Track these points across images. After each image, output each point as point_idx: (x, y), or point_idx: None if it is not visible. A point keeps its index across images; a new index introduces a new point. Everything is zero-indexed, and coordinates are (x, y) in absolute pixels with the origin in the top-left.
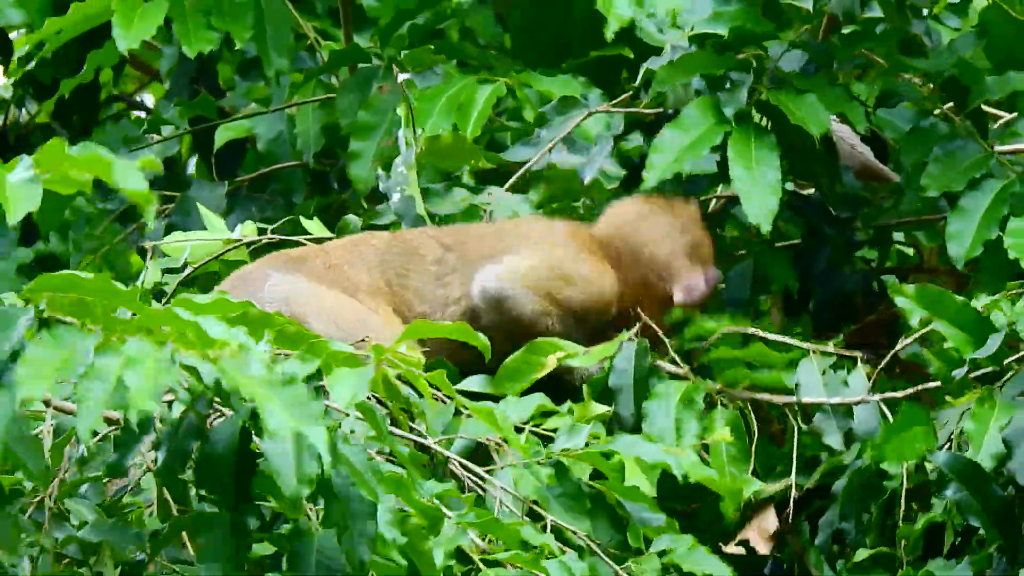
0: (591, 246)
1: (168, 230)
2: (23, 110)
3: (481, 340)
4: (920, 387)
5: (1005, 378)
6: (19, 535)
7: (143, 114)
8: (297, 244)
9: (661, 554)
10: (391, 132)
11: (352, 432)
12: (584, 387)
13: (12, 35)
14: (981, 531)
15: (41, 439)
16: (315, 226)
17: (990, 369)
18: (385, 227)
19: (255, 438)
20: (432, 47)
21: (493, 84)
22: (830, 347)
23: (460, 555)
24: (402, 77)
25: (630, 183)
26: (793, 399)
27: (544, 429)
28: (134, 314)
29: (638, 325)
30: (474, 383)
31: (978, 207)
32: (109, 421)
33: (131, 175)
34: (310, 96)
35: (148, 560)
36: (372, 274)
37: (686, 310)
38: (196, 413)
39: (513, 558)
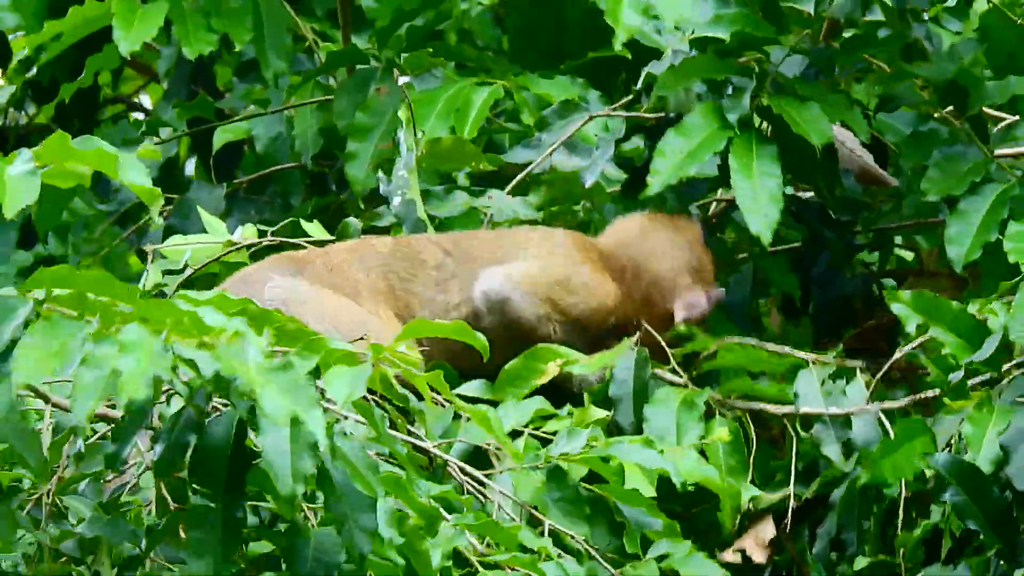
0: (593, 257)
1: (167, 232)
2: (22, 112)
3: (479, 340)
4: (918, 396)
5: (1003, 383)
6: (15, 529)
7: (142, 116)
8: (297, 247)
9: (659, 559)
10: (389, 134)
11: (350, 435)
12: (585, 397)
13: (10, 37)
14: (978, 537)
15: (39, 432)
16: (315, 228)
17: (988, 376)
18: (385, 230)
19: (253, 436)
20: (431, 50)
21: (490, 87)
22: (830, 357)
23: (458, 558)
24: (402, 80)
25: (631, 187)
26: (792, 409)
27: (543, 432)
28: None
29: (639, 334)
30: (473, 388)
31: (977, 210)
32: (108, 420)
33: (136, 170)
34: (308, 97)
35: (144, 555)
36: (374, 278)
37: (687, 326)
38: (195, 407)
39: (511, 560)
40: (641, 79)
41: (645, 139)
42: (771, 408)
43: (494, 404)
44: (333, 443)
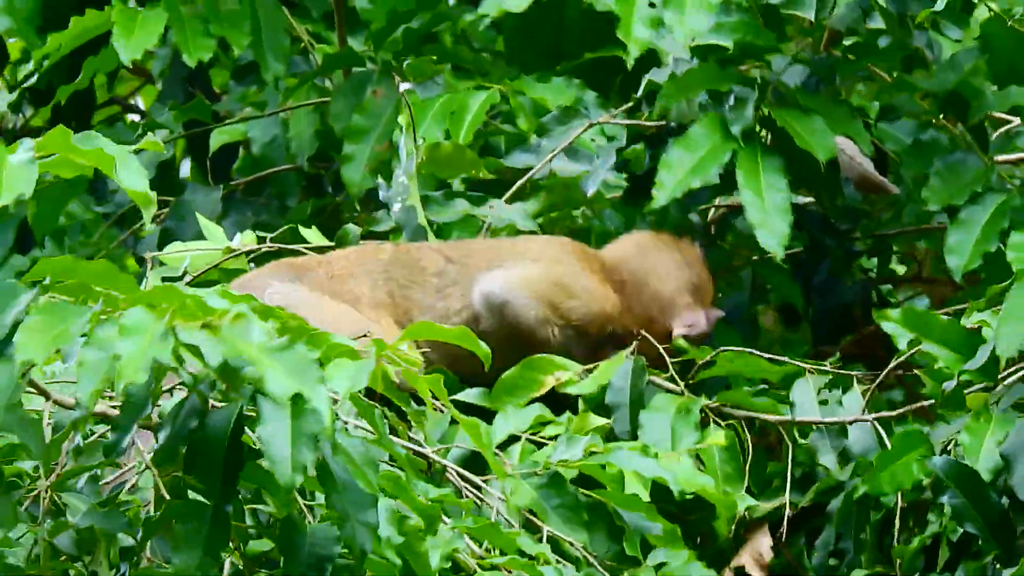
0: (595, 266)
1: (163, 235)
2: (19, 115)
3: (482, 349)
4: (915, 405)
5: (998, 389)
6: (16, 521)
7: (137, 117)
8: (297, 253)
9: (658, 567)
10: (385, 136)
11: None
12: (580, 403)
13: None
14: (976, 543)
15: (40, 420)
16: (314, 235)
17: (983, 385)
18: (384, 235)
19: (253, 434)
20: (434, 57)
21: (487, 91)
22: (826, 366)
23: (456, 564)
24: (404, 87)
25: (632, 195)
26: (788, 418)
27: (541, 437)
28: None
29: (636, 343)
30: (470, 396)
31: (978, 220)
32: (107, 419)
33: (133, 172)
34: (304, 99)
35: (139, 547)
36: (375, 285)
37: (685, 344)
38: (199, 394)
39: (510, 563)
40: (642, 86)
41: (646, 147)
42: (767, 416)
43: (492, 413)
44: (335, 438)
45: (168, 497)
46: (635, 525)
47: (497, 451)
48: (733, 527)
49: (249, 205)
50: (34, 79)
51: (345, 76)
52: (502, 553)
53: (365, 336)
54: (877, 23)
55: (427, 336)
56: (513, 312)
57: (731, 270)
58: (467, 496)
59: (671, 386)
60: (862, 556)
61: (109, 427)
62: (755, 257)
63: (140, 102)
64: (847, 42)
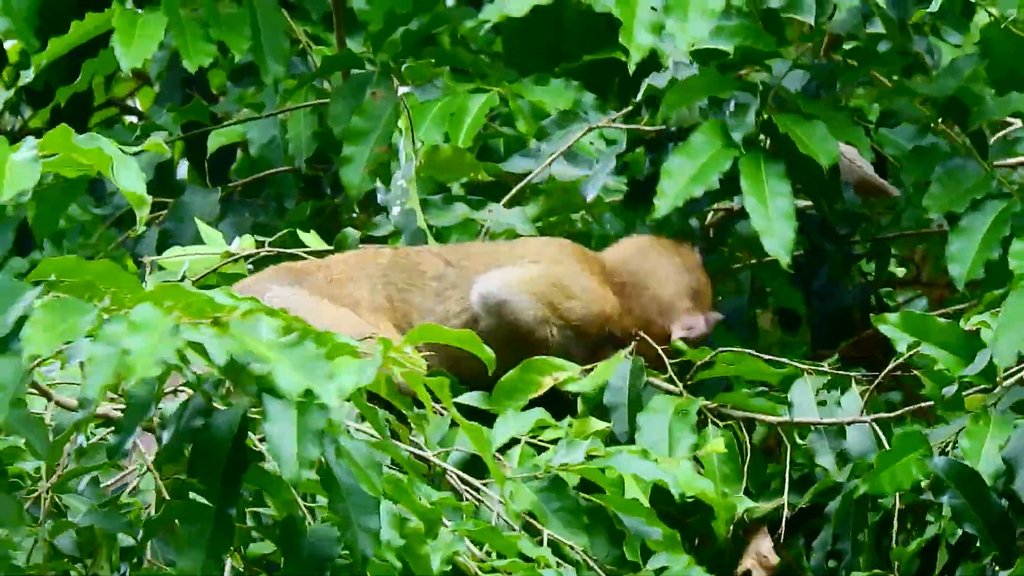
0: (595, 268)
1: (161, 237)
2: (17, 116)
3: (487, 353)
4: (914, 407)
5: (996, 391)
6: (21, 520)
7: (135, 119)
8: (295, 257)
9: (658, 572)
10: (385, 138)
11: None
12: (579, 402)
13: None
14: (975, 544)
15: (44, 419)
16: (312, 239)
17: (983, 387)
18: (383, 239)
19: (254, 436)
20: (432, 60)
21: (486, 94)
22: (824, 367)
23: (456, 567)
24: (402, 90)
25: (632, 199)
26: (786, 419)
27: (541, 440)
28: None
29: (634, 343)
30: (469, 399)
31: (979, 228)
32: (109, 421)
33: (130, 173)
34: (302, 101)
35: (140, 546)
36: (374, 289)
37: (684, 347)
38: (203, 393)
39: (511, 566)
40: (641, 91)
41: (646, 151)
42: (765, 417)
43: (490, 415)
44: (339, 441)
45: (168, 497)
46: (635, 530)
47: (497, 455)
48: (731, 529)
49: (247, 206)
50: (31, 77)
51: (344, 78)
52: (502, 556)
53: (370, 338)
54: (876, 27)
55: (432, 339)
56: (512, 312)
57: (730, 274)
58: (467, 499)
59: (669, 387)
60: (860, 558)
61: (110, 430)
62: (754, 261)
63: (137, 103)
64: (847, 46)
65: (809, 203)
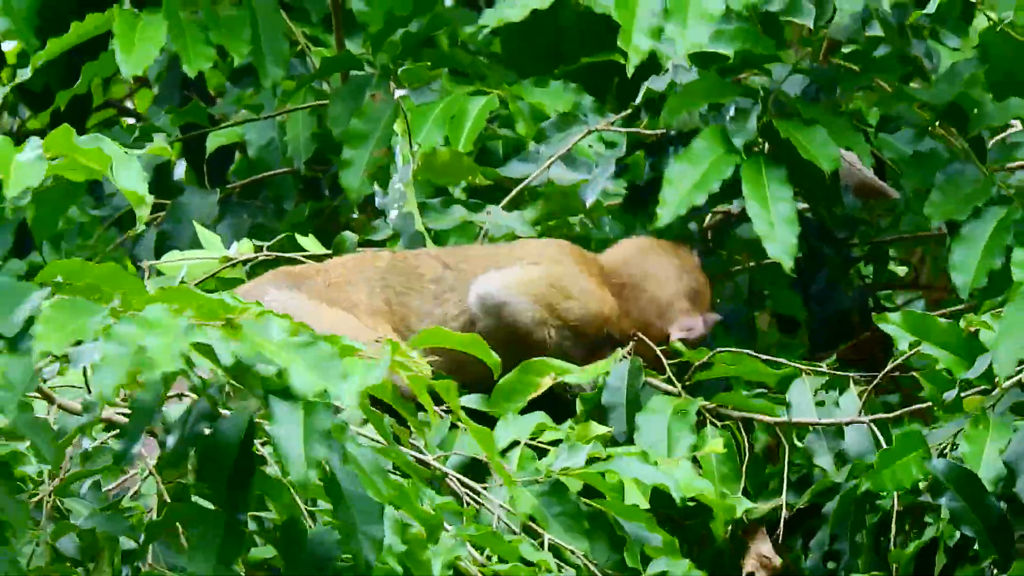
0: (593, 269)
1: (160, 238)
2: (15, 117)
3: (493, 358)
4: (912, 408)
5: (995, 392)
6: (28, 516)
7: (133, 120)
8: (294, 261)
9: None
10: (384, 140)
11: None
12: (578, 403)
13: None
14: (973, 547)
15: (50, 422)
16: (311, 243)
17: (982, 388)
18: (381, 243)
19: (258, 440)
20: (429, 63)
21: (486, 96)
22: (823, 367)
23: (458, 572)
24: (399, 93)
25: (632, 203)
26: (784, 419)
27: (540, 442)
28: None
29: (633, 343)
30: (470, 402)
31: (980, 236)
32: (113, 425)
33: (131, 173)
34: (301, 102)
35: (142, 549)
36: (372, 293)
37: (682, 348)
38: (208, 397)
39: (512, 570)
40: (641, 94)
41: (646, 155)
42: (764, 418)
43: (489, 417)
44: (345, 448)
45: (166, 495)
46: (635, 536)
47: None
48: (729, 530)
49: (245, 208)
50: (27, 76)
51: (343, 80)
52: (504, 561)
53: (377, 341)
54: (875, 31)
55: (438, 343)
56: (510, 314)
57: (729, 276)
58: (468, 503)
59: (668, 387)
60: (859, 560)
61: (113, 434)
62: (752, 264)
63: (135, 105)
64: (846, 50)
65: (806, 207)
